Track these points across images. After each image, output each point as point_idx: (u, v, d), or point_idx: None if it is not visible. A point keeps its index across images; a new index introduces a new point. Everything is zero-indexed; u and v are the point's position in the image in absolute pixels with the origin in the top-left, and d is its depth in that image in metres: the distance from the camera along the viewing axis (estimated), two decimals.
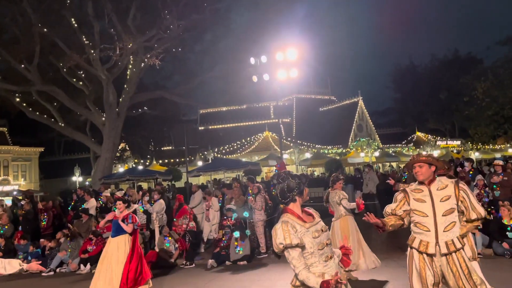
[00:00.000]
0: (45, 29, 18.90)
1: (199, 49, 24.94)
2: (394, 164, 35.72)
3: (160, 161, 38.32)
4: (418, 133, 44.90)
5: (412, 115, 49.45)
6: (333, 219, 7.30)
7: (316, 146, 35.95)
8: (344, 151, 35.77)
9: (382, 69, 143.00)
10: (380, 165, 34.55)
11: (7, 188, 35.61)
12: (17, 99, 22.26)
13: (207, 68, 24.54)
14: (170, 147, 43.50)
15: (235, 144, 38.57)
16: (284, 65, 15.00)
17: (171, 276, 8.83)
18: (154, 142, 43.33)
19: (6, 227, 11.90)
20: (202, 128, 43.60)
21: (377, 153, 32.92)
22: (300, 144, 34.25)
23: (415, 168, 3.84)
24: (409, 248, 3.85)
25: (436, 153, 36.15)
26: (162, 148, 43.17)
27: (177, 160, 37.90)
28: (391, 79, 56.38)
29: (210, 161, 30.30)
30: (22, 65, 20.01)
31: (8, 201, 18.43)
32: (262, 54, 15.60)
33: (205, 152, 33.63)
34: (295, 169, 29.53)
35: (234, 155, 35.74)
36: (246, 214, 10.29)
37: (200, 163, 32.00)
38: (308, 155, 33.91)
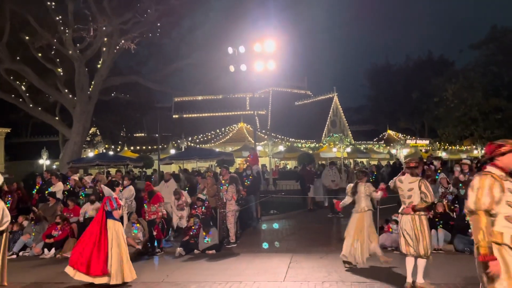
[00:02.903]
0: (17, 6, 18.12)
1: (176, 35, 24.54)
2: (364, 161, 36.43)
3: (132, 148, 37.75)
4: (389, 131, 45.92)
5: (384, 113, 50.48)
6: (354, 209, 7.50)
7: (290, 139, 36.20)
8: (317, 145, 36.18)
9: (358, 67, 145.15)
10: (351, 160, 35.14)
11: None
12: None
13: (183, 55, 24.18)
14: (143, 134, 42.91)
15: (209, 134, 38.39)
16: (262, 56, 15.01)
17: (138, 263, 8.72)
18: (126, 128, 42.48)
19: None
20: (177, 116, 43.14)
21: (349, 149, 33.45)
22: (274, 137, 34.39)
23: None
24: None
25: (405, 151, 37.08)
26: (134, 135, 42.46)
27: (149, 147, 37.42)
28: (367, 77, 57.22)
29: (183, 150, 30.08)
30: None
31: None
32: (240, 44, 15.53)
33: (178, 141, 33.32)
34: (268, 161, 29.66)
35: (208, 145, 35.57)
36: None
37: (172, 151, 31.69)
38: (281, 148, 34.10)
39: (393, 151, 37.84)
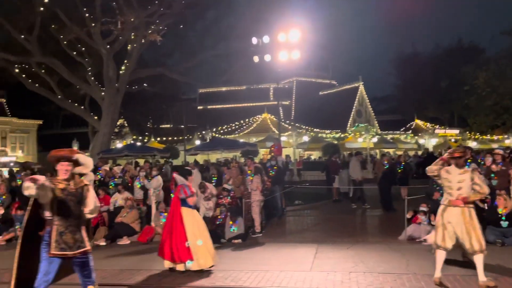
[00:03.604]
0: (46, 0, 18.61)
1: (201, 26, 24.67)
2: (391, 151, 35.87)
3: (158, 139, 38.32)
4: (417, 121, 44.92)
5: (412, 102, 49.31)
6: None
7: (314, 129, 35.95)
8: (342, 135, 35.82)
9: (385, 56, 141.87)
10: (377, 151, 34.67)
11: (4, 159, 35.65)
12: (16, 70, 22.08)
13: (208, 46, 24.33)
14: (169, 125, 43.49)
15: (233, 125, 38.54)
16: (286, 46, 14.91)
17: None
18: (153, 119, 43.18)
19: (4, 197, 11.98)
20: (201, 107, 43.47)
21: (375, 139, 32.99)
22: (298, 127, 34.24)
23: None
24: None
25: (434, 141, 36.28)
26: (161, 126, 43.09)
27: (175, 138, 37.92)
28: (394, 66, 55.96)
29: (208, 140, 30.37)
30: (22, 36, 19.76)
31: (5, 173, 18.46)
32: (265, 34, 15.48)
33: (203, 132, 33.65)
34: (292, 152, 29.62)
35: (232, 136, 35.74)
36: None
37: (198, 142, 32.07)
38: (305, 138, 33.95)
39: (421, 141, 37.07)
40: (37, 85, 22.69)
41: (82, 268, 4.61)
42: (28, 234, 4.62)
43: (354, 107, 39.74)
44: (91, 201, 4.66)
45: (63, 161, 4.58)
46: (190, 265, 6.61)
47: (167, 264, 6.81)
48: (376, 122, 41.73)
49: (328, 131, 36.35)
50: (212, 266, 6.78)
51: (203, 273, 6.62)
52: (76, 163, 4.67)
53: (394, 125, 44.33)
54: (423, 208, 8.92)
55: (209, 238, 6.97)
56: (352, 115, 39.33)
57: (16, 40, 19.96)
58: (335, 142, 32.08)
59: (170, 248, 6.70)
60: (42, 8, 18.97)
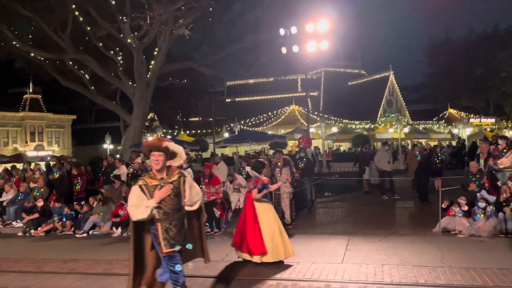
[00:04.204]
0: None
1: (228, 19, 24.68)
2: (423, 141, 34.98)
3: (188, 132, 38.88)
4: (450, 110, 43.55)
5: (445, 91, 47.72)
6: None
7: (344, 120, 35.52)
8: (372, 126, 35.22)
9: (416, 43, 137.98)
10: (409, 141, 33.90)
11: (41, 153, 37.08)
12: (52, 67, 22.81)
13: (235, 39, 24.29)
14: (197, 118, 44.04)
15: (261, 117, 38.59)
16: (315, 36, 14.73)
17: None
18: (182, 112, 43.82)
19: (42, 190, 12.49)
20: (229, 100, 43.70)
21: (406, 130, 32.26)
22: (327, 119, 33.88)
23: None
24: None
25: (468, 131, 35.14)
26: (190, 119, 43.67)
27: (204, 131, 38.35)
28: (425, 54, 54.28)
29: (236, 133, 30.54)
30: (56, 33, 20.36)
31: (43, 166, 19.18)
32: (292, 25, 15.33)
33: (232, 124, 33.84)
34: (321, 143, 29.37)
35: (260, 128, 35.81)
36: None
37: (226, 135, 32.31)
38: (335, 129, 33.58)
39: (455, 131, 35.97)
40: (71, 81, 23.39)
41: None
42: (138, 227, 4.50)
43: (384, 97, 38.98)
44: (189, 192, 4.44)
45: (154, 151, 4.35)
46: (264, 257, 6.60)
47: (243, 255, 6.81)
48: (407, 112, 40.81)
49: (357, 122, 35.83)
50: (285, 259, 6.71)
51: (261, 265, 6.60)
52: (168, 153, 4.42)
53: (426, 114, 43.19)
54: (462, 200, 8.69)
55: (283, 230, 6.89)
56: (382, 105, 38.62)
57: (50, 38, 20.58)
58: (365, 133, 31.57)
59: (244, 240, 6.75)
60: (74, 6, 19.46)
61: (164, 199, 4.26)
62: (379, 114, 37.89)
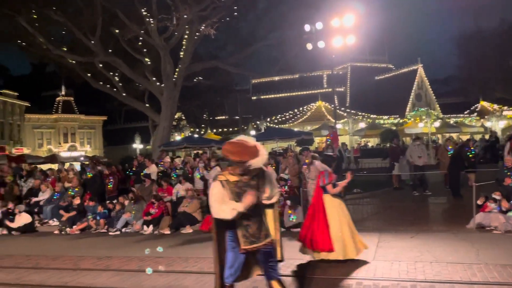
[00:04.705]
0: (106, 1, 19.56)
1: (252, 17, 24.74)
2: (455, 135, 34.01)
3: (214, 130, 39.22)
4: (483, 103, 42.12)
5: (476, 83, 46.17)
6: None
7: (371, 116, 34.98)
8: (401, 121, 34.55)
9: (445, 35, 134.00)
10: (439, 136, 33.05)
11: (74, 153, 38.24)
12: (82, 70, 23.50)
13: (260, 36, 24.35)
14: (224, 116, 44.32)
15: (287, 114, 38.49)
16: (341, 31, 14.56)
17: None
18: (209, 111, 44.24)
19: (77, 189, 12.90)
20: (255, 98, 43.77)
21: (437, 124, 31.46)
22: (354, 114, 33.46)
23: None
24: None
25: (502, 124, 33.95)
26: (216, 118, 44.03)
27: (231, 129, 38.60)
28: (455, 45, 52.74)
29: (262, 131, 30.58)
30: (86, 37, 20.95)
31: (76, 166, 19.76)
32: (318, 21, 15.21)
33: (258, 122, 33.93)
34: (348, 139, 29.05)
35: (287, 125, 35.72)
36: None
37: (252, 132, 32.39)
38: (362, 125, 33.12)
39: (488, 124, 34.81)
40: (101, 83, 24.02)
41: (268, 259, 4.24)
42: (221, 224, 4.27)
43: (413, 90, 38.14)
44: (269, 187, 4.28)
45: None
46: (331, 255, 6.42)
47: (309, 252, 6.66)
48: (438, 105, 39.77)
49: (385, 117, 35.23)
50: (355, 257, 6.48)
51: (344, 263, 6.39)
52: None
53: (457, 108, 41.94)
54: (497, 196, 8.42)
55: (354, 227, 6.68)
56: (411, 99, 37.79)
57: (81, 41, 21.21)
58: (394, 128, 31.00)
59: (311, 236, 6.56)
60: (103, 9, 19.97)
61: (243, 195, 4.09)
62: (408, 108, 37.10)
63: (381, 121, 34.31)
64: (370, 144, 33.77)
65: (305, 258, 6.72)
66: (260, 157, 4.12)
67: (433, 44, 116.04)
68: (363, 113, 35.51)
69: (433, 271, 5.85)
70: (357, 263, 6.40)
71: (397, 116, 35.56)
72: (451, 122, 35.04)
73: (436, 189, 13.49)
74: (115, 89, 24.06)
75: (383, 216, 10.79)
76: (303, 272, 6.24)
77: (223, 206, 4.04)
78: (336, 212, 6.62)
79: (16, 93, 42.00)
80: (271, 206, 4.44)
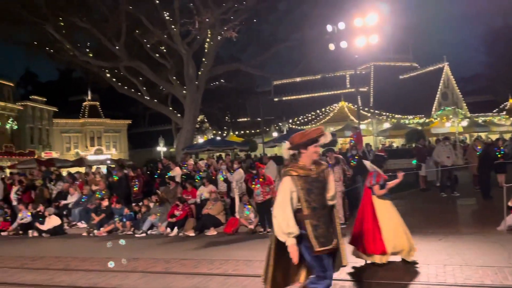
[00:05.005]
0: (130, 7, 19.95)
1: (274, 19, 24.77)
2: (483, 135, 33.08)
3: (236, 132, 39.36)
4: None
5: (505, 80, 44.80)
6: None
7: (396, 116, 34.41)
8: (427, 121, 33.86)
9: (471, 32, 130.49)
10: (467, 135, 32.19)
11: (101, 157, 39.04)
12: (108, 75, 24.04)
13: (281, 38, 24.35)
14: (246, 119, 44.45)
15: (309, 115, 38.28)
16: (364, 31, 14.36)
17: (251, 242, 9.20)
18: (231, 113, 44.47)
19: (103, 192, 13.17)
20: (276, 99, 43.70)
21: (464, 123, 30.68)
22: (378, 114, 32.98)
23: None
24: None
25: None
26: (238, 120, 44.20)
27: (253, 131, 38.65)
28: (482, 42, 51.35)
29: (285, 132, 30.51)
30: (111, 43, 21.43)
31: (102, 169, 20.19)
32: (340, 21, 15.06)
33: (280, 123, 33.85)
34: (372, 140, 28.66)
35: (309, 126, 35.48)
36: None
37: (275, 134, 32.36)
38: (386, 125, 32.62)
39: None
40: (125, 87, 24.53)
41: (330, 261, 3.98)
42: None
43: (439, 89, 37.30)
44: (333, 186, 4.07)
45: (315, 144, 3.91)
46: (385, 257, 6.19)
47: (360, 255, 6.37)
48: (465, 104, 38.77)
49: (411, 117, 34.60)
50: (410, 259, 6.22)
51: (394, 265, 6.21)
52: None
53: (485, 106, 40.73)
54: None
55: (407, 229, 6.37)
56: (437, 98, 36.97)
57: (106, 47, 21.73)
58: (419, 128, 30.40)
59: (362, 239, 6.33)
60: (127, 15, 20.40)
61: (313, 191, 3.85)
62: (434, 107, 36.32)
63: (406, 121, 33.70)
64: (395, 145, 33.22)
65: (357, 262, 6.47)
66: (327, 135, 3.98)
67: (459, 41, 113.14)
68: (387, 113, 34.96)
69: (463, 275, 5.69)
70: (387, 266, 6.29)
71: (423, 115, 34.87)
72: (479, 121, 34.11)
73: (464, 190, 13.14)
74: (139, 93, 24.51)
75: (410, 218, 10.51)
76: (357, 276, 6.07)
77: (285, 215, 3.76)
78: (387, 213, 6.38)
79: (44, 99, 43.30)
80: (333, 207, 4.19)
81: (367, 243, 6.26)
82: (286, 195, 3.82)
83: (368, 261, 6.34)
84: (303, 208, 3.84)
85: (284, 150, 4.04)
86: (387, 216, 6.36)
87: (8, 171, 22.61)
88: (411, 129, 28.21)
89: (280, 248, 3.92)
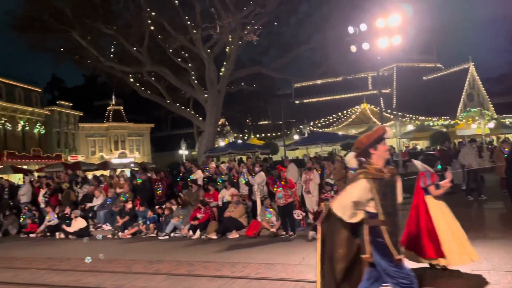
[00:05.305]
0: (153, 13, 20.31)
1: (294, 21, 24.75)
2: (511, 136, 32.12)
3: (258, 135, 39.43)
4: None
5: None
6: None
7: (419, 118, 33.82)
8: (452, 122, 33.14)
9: (498, 31, 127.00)
10: (494, 137, 31.33)
11: (124, 160, 39.75)
12: (131, 80, 24.50)
13: (302, 40, 24.26)
14: (267, 122, 44.51)
15: (331, 117, 38.03)
16: (386, 32, 14.17)
17: (273, 245, 9.18)
18: (252, 116, 44.61)
19: (128, 195, 13.39)
20: (297, 102, 43.60)
21: (491, 124, 29.86)
22: (401, 116, 32.47)
23: None
24: None
25: None
26: (259, 123, 44.29)
27: (274, 134, 38.65)
28: (509, 41, 50.00)
29: (306, 135, 30.38)
30: (134, 48, 21.84)
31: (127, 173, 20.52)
32: (362, 22, 14.91)
33: (301, 126, 33.75)
34: (396, 142, 28.20)
35: (331, 129, 35.30)
36: None
37: (296, 137, 32.28)
38: (410, 127, 32.07)
39: None
40: (148, 91, 24.94)
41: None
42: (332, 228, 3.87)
43: (464, 90, 36.52)
44: (401, 191, 3.86)
45: (383, 141, 3.76)
46: (443, 261, 5.90)
47: (416, 259, 6.04)
48: (491, 105, 37.77)
49: (435, 119, 33.95)
50: (469, 263, 5.83)
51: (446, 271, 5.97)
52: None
53: None
54: None
55: (463, 231, 6.01)
56: (462, 99, 36.20)
57: (129, 52, 22.18)
58: (444, 130, 29.78)
59: (416, 242, 6.02)
60: (150, 21, 20.76)
61: (388, 195, 3.66)
62: (459, 109, 35.55)
63: (431, 123, 33.06)
64: (419, 147, 32.61)
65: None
66: (389, 130, 3.86)
67: (485, 41, 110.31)
68: (411, 115, 34.39)
69: (491, 280, 5.54)
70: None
71: (448, 117, 34.17)
72: (507, 122, 33.13)
73: (492, 194, 12.78)
74: (162, 97, 24.87)
75: None
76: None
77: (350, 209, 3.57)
78: (442, 215, 6.11)
79: (70, 104, 44.46)
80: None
81: (423, 246, 5.94)
82: (358, 196, 3.62)
83: (426, 265, 6.08)
84: (379, 214, 3.61)
85: (350, 159, 3.95)
86: (443, 218, 6.07)
87: (36, 174, 23.28)
88: (436, 131, 27.65)
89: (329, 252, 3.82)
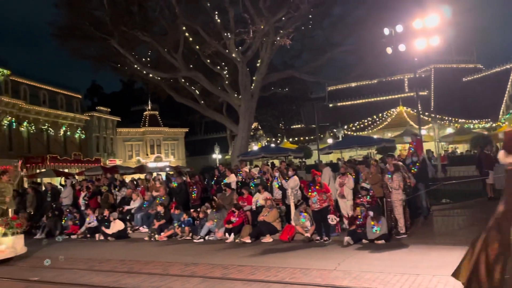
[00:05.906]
0: (188, 20, 20.69)
1: (328, 24, 24.47)
2: None
3: (291, 139, 39.28)
4: None
5: None
6: None
7: (459, 120, 32.68)
8: (493, 125, 31.81)
9: None
10: None
11: (160, 164, 40.57)
12: (166, 85, 25.02)
13: (336, 43, 23.94)
14: (300, 125, 44.25)
15: (365, 121, 37.36)
16: (423, 33, 13.80)
17: (307, 250, 9.10)
18: (284, 120, 44.49)
19: (163, 198, 13.64)
20: (331, 105, 43.11)
21: None
22: (440, 119, 31.46)
23: None
24: None
25: None
26: (292, 126, 44.12)
27: (307, 138, 38.38)
28: None
29: (340, 139, 29.98)
30: (170, 54, 22.30)
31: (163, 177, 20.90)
32: (397, 23, 14.59)
33: (335, 129, 33.35)
34: (434, 146, 27.32)
35: (365, 132, 34.68)
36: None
37: (330, 141, 31.93)
38: (449, 130, 31.05)
39: None
40: (183, 97, 25.39)
41: None
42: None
43: (506, 92, 35.00)
44: None
45: None
46: None
47: None
48: None
49: (476, 121, 32.71)
50: None
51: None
52: None
53: None
54: None
55: None
56: (504, 101, 34.69)
57: (165, 58, 22.68)
58: (485, 132, 28.61)
59: None
60: (184, 27, 21.16)
61: None
62: (501, 111, 34.06)
63: (471, 126, 31.87)
64: (458, 151, 31.49)
65: None
66: None
67: None
68: (450, 118, 33.28)
69: None
70: (452, 280, 5.94)
71: (489, 120, 32.81)
72: None
73: None
74: (196, 102, 25.25)
75: (477, 228, 9.89)
76: None
77: None
78: None
79: (108, 109, 45.99)
80: None
81: None
82: None
83: None
84: None
85: (503, 158, 3.84)
86: None
87: (77, 177, 24.15)
88: (477, 134, 26.64)
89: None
